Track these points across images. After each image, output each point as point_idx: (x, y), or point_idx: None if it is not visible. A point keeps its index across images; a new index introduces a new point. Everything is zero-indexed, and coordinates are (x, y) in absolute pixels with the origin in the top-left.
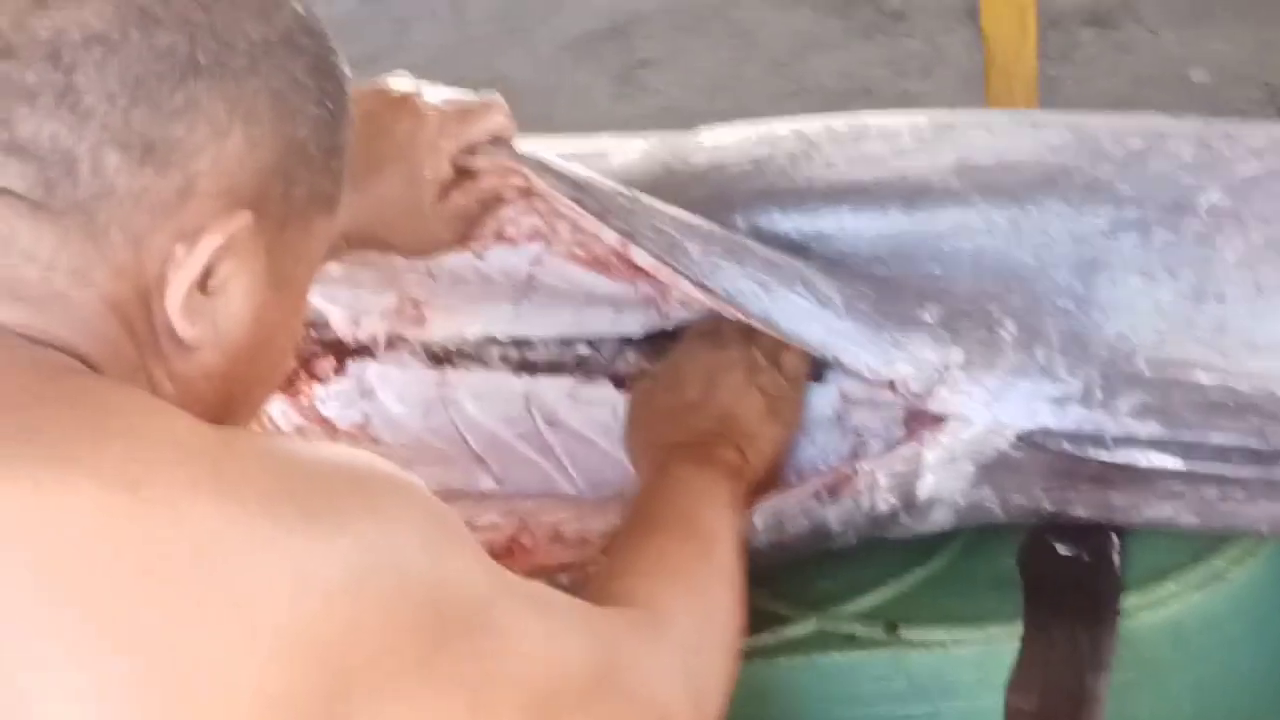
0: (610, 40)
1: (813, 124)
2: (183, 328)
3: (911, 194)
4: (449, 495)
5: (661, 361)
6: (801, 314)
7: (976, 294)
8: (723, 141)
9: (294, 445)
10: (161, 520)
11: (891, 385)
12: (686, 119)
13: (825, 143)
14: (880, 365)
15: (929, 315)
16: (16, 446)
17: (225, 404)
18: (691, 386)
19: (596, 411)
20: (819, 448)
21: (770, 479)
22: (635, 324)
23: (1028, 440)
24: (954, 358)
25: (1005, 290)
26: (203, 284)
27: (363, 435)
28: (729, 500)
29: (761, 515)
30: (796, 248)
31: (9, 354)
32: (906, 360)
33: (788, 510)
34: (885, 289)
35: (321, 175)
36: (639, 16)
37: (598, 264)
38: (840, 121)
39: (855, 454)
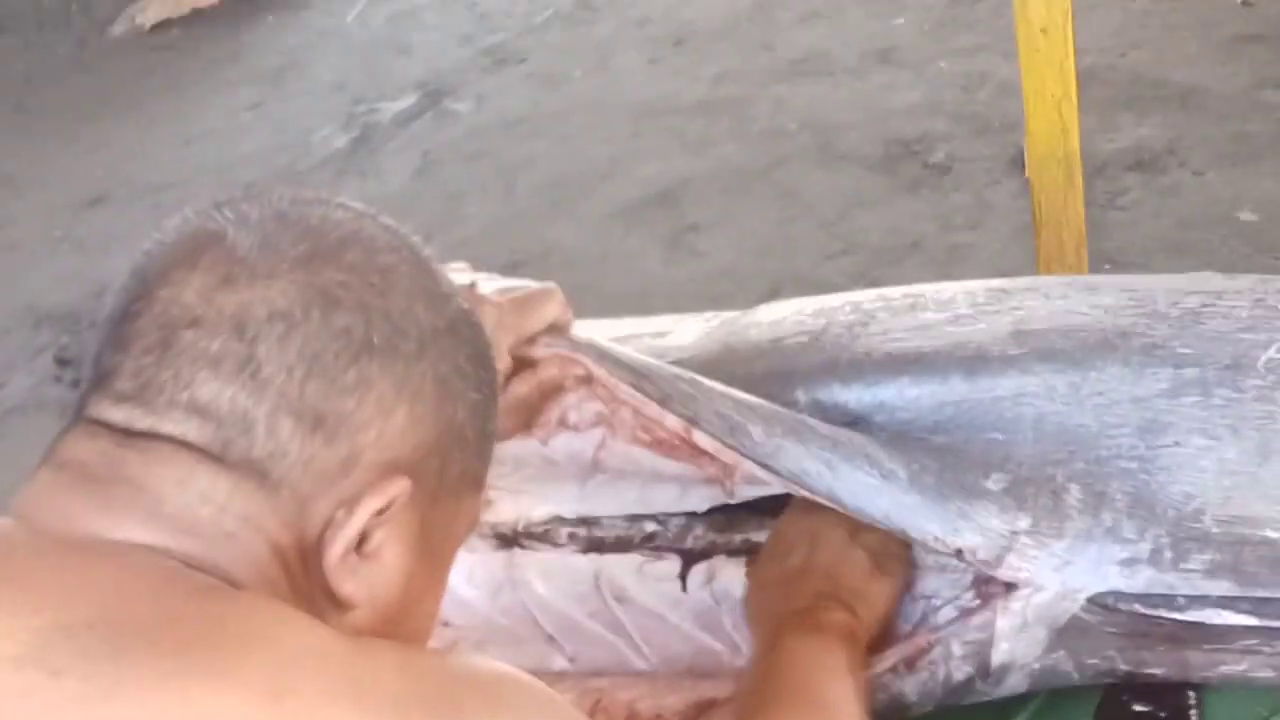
0: (659, 206)
1: (867, 294)
2: (338, 585)
3: (970, 362)
4: None
5: (768, 542)
6: (866, 490)
7: (1040, 460)
8: (778, 315)
9: (425, 654)
10: None
11: (959, 554)
12: (737, 281)
13: (881, 312)
14: (947, 535)
15: (993, 484)
16: (170, 661)
17: None
18: (795, 553)
19: (665, 586)
20: None
21: (885, 633)
22: (701, 501)
23: (1099, 604)
24: (1021, 525)
25: (1068, 455)
26: (359, 547)
27: None
28: (846, 664)
29: None
30: (857, 419)
31: (174, 575)
32: (973, 530)
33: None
34: (948, 458)
35: (474, 456)
36: (686, 182)
37: (662, 446)
38: (894, 291)
39: (924, 619)
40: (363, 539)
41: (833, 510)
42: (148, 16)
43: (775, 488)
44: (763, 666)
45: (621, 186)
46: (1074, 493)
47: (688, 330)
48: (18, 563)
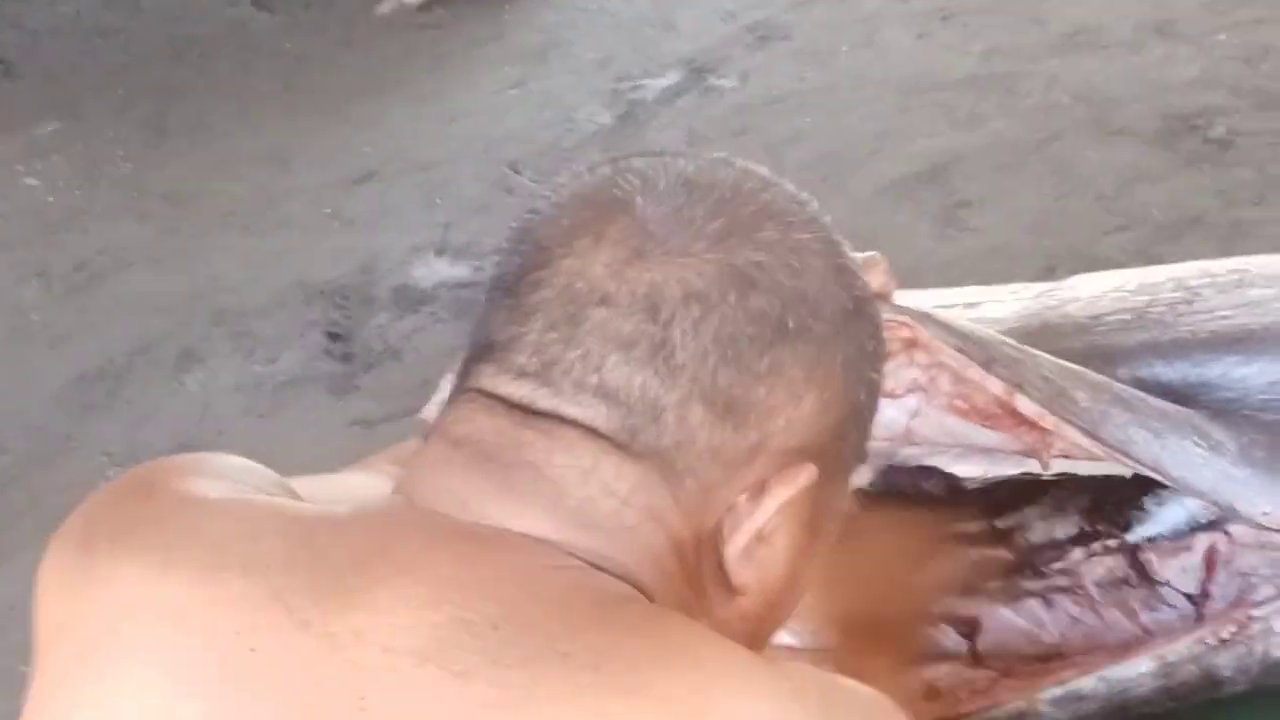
0: (929, 182)
1: (1189, 269)
2: (736, 574)
3: None
4: None
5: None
6: (1194, 461)
7: None
8: (1097, 290)
9: (834, 682)
10: None
11: None
12: (1011, 257)
13: (1206, 289)
14: (1278, 511)
15: None
16: (585, 674)
17: (751, 641)
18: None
19: None
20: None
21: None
22: (1011, 468)
23: None
24: None
25: None
26: (760, 533)
27: None
28: None
29: (1149, 660)
30: (1182, 398)
31: (575, 577)
32: None
33: (1177, 656)
34: (1279, 435)
35: (865, 433)
36: (957, 158)
37: (978, 415)
38: (1219, 265)
39: (1242, 597)
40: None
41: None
42: None
43: (1088, 465)
44: None
45: (890, 162)
46: None
47: (1000, 302)
48: (411, 548)
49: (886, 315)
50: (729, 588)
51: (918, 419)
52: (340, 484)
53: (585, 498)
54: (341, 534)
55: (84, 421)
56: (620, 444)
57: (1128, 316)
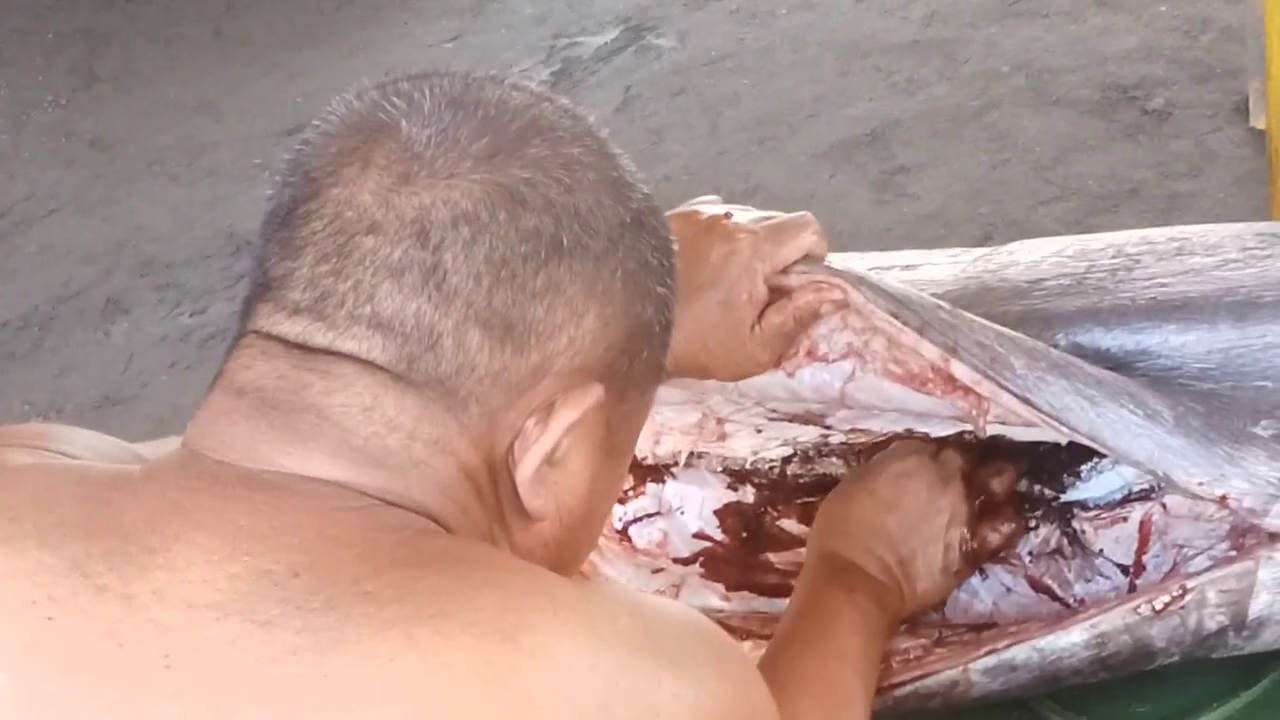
0: (867, 147)
1: (1130, 236)
2: (529, 500)
3: (1240, 307)
4: None
5: (881, 464)
6: (1130, 429)
7: None
8: (1036, 256)
9: (651, 601)
10: (542, 668)
11: (1223, 500)
12: (948, 224)
13: (1146, 256)
14: (1212, 481)
15: (1263, 430)
16: (390, 607)
17: (556, 567)
18: (893, 519)
19: None
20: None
21: (912, 617)
22: (946, 431)
23: None
24: None
25: None
26: (549, 457)
27: (661, 553)
28: (874, 626)
29: (1082, 631)
30: (1120, 365)
31: (371, 517)
32: (1241, 476)
33: (1110, 626)
34: (1215, 404)
35: (659, 349)
36: (895, 123)
37: (913, 380)
38: (1159, 233)
39: (1175, 568)
40: (554, 448)
41: (947, 496)
42: None
43: (1023, 431)
44: (796, 600)
45: (829, 126)
46: None
47: (938, 265)
48: (204, 502)
49: (819, 277)
50: (525, 514)
51: (852, 383)
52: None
53: (370, 434)
54: (135, 494)
55: (5, 370)
56: (399, 375)
57: (1067, 282)
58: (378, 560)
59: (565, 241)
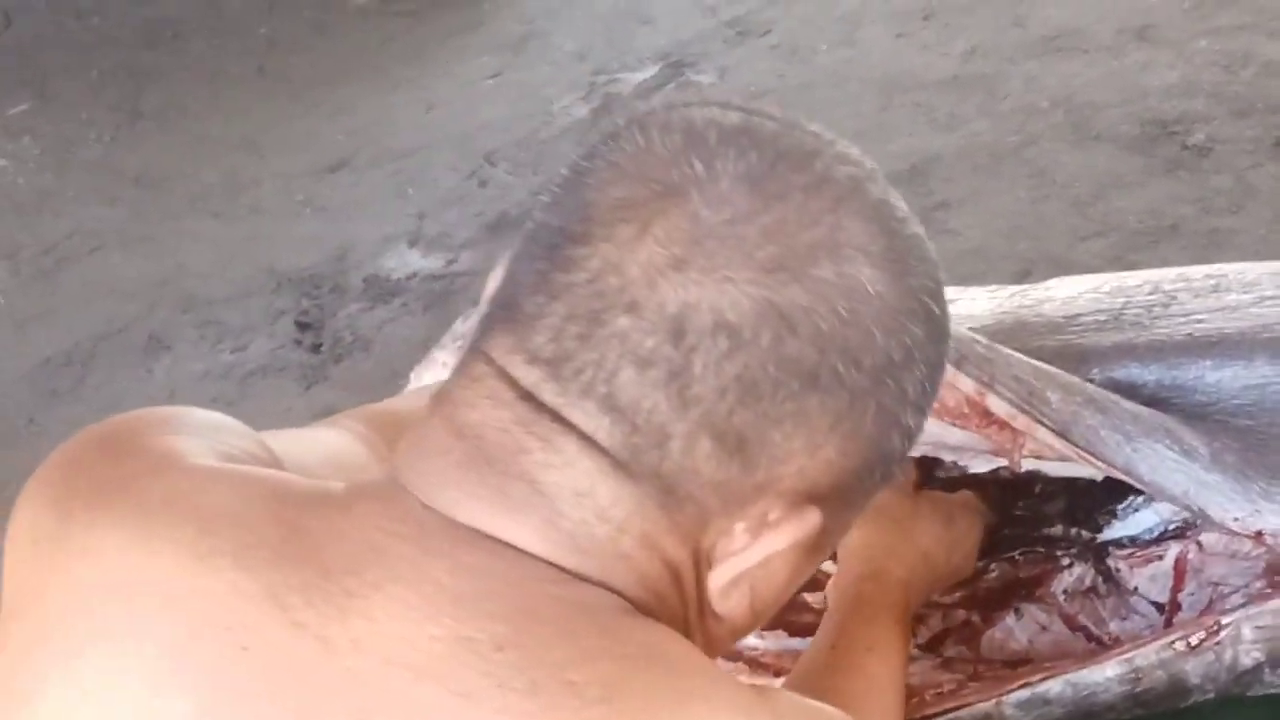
0: (907, 182)
1: (1166, 274)
2: (719, 603)
3: (1277, 344)
4: None
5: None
6: (1166, 465)
7: None
8: (1073, 291)
9: (820, 709)
10: None
11: (1259, 536)
12: (988, 260)
13: (1182, 293)
14: (1247, 517)
15: None
16: (595, 708)
17: (735, 639)
18: (882, 534)
19: None
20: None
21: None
22: (981, 466)
23: None
24: None
25: None
26: (749, 572)
27: None
28: (900, 645)
29: (1116, 665)
30: (1155, 401)
31: (572, 592)
32: (1276, 512)
33: (1145, 662)
34: (1251, 440)
35: (899, 463)
36: (935, 158)
37: (949, 413)
38: (1195, 270)
39: (1212, 606)
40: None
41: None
42: None
43: (1059, 466)
44: (829, 628)
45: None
46: None
47: (975, 300)
48: (406, 551)
49: None
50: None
51: None
52: (317, 444)
53: (579, 520)
54: (336, 525)
55: (49, 406)
56: (620, 462)
57: (1103, 318)
58: (583, 646)
59: (823, 377)
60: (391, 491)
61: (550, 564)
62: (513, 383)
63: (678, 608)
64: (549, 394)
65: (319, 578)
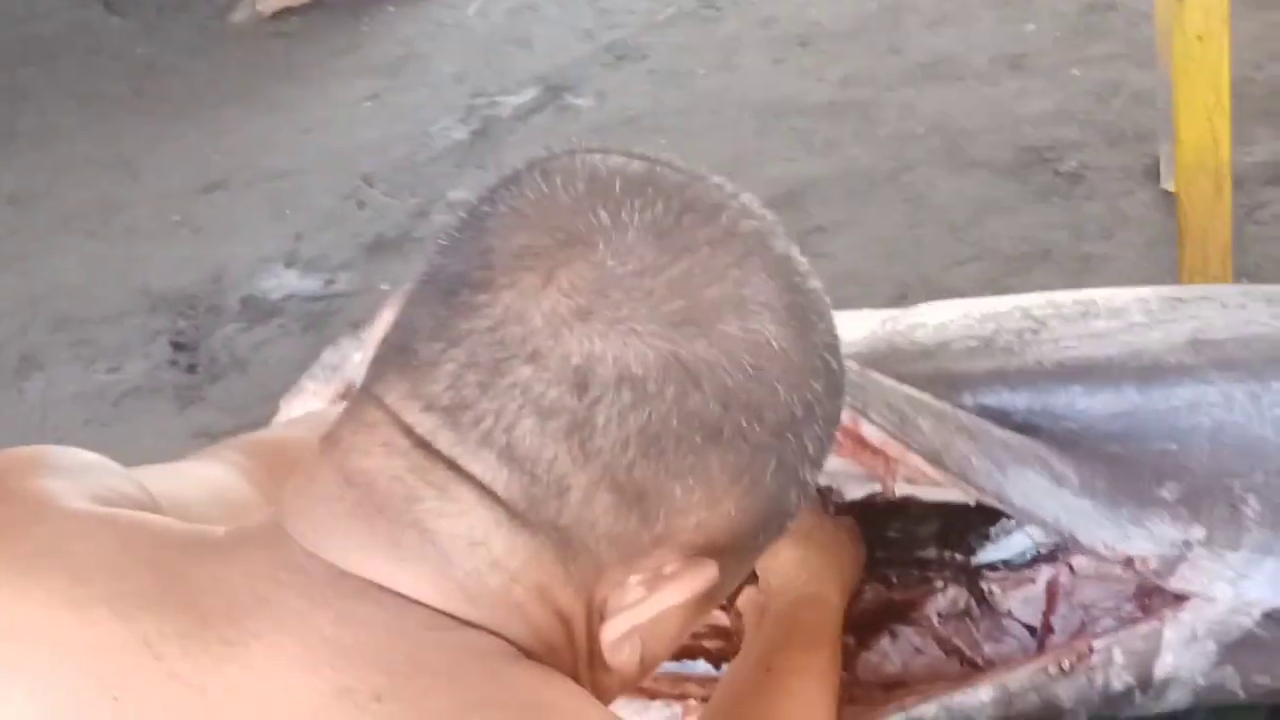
0: (784, 207)
1: (1036, 299)
2: (611, 656)
3: (1145, 371)
4: None
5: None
6: (1037, 491)
7: (1216, 471)
8: (945, 318)
9: None
10: None
11: (1129, 562)
12: (863, 285)
13: (1052, 319)
14: (1118, 542)
15: (1167, 493)
16: None
17: (626, 687)
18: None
19: None
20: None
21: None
22: (857, 493)
23: (1275, 618)
24: (1195, 535)
25: (1247, 467)
26: (640, 627)
27: None
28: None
29: (990, 689)
30: (1026, 427)
31: (459, 638)
32: (1145, 538)
33: (1018, 685)
34: (1121, 466)
35: (791, 517)
36: (811, 183)
37: None
38: (1065, 296)
39: (1083, 629)
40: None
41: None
42: (268, 4)
43: (933, 491)
44: (760, 650)
45: (745, 186)
46: (1252, 504)
47: (849, 325)
48: (289, 600)
49: None
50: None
51: None
52: (199, 481)
53: (471, 569)
54: (216, 572)
55: None
56: (517, 512)
57: (974, 344)
58: (469, 697)
59: (726, 432)
60: (276, 538)
61: (440, 612)
62: (407, 430)
63: (568, 658)
64: (444, 442)
65: (196, 626)
